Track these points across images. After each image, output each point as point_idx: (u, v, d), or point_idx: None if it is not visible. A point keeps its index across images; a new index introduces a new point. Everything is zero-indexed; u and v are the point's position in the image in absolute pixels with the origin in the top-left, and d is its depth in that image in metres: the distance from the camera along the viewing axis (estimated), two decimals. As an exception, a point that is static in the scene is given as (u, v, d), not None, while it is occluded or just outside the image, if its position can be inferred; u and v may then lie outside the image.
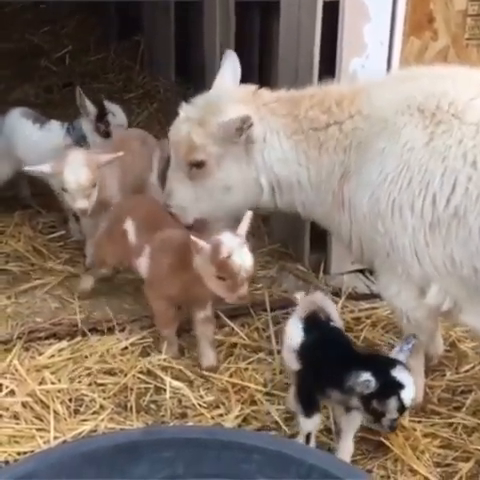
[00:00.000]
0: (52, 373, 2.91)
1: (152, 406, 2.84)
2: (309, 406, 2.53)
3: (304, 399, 2.54)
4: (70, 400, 2.81)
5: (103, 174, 3.27)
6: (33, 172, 3.30)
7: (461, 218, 2.46)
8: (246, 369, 3.00)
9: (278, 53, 3.59)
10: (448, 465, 2.64)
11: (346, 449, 2.55)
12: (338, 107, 2.72)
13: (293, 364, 2.59)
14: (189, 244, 2.75)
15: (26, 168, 3.31)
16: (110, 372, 2.96)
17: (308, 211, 2.89)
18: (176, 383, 2.91)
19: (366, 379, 2.35)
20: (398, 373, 2.40)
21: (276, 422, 2.74)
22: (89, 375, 2.93)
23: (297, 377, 2.59)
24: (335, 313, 2.73)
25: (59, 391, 2.84)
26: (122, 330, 3.15)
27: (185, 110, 2.86)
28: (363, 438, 2.66)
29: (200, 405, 2.82)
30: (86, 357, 3.01)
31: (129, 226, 3.07)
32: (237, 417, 2.77)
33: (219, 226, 2.92)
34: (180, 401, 2.85)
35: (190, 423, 2.74)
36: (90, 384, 2.89)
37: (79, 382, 2.89)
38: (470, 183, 2.45)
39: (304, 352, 2.55)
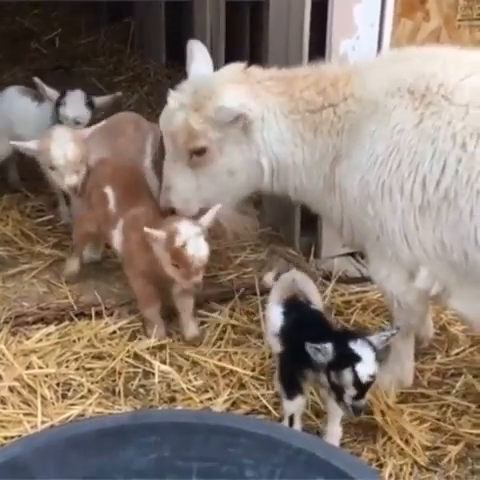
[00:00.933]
0: (39, 358, 2.89)
1: (140, 390, 2.83)
2: (291, 388, 2.53)
3: (286, 381, 2.55)
4: (58, 384, 2.80)
5: (92, 156, 3.24)
6: (21, 148, 3.25)
7: (451, 201, 2.43)
8: (235, 353, 2.99)
9: (268, 50, 3.55)
10: (437, 448, 2.64)
11: (334, 433, 2.54)
12: (333, 88, 2.68)
13: (276, 347, 2.61)
14: (159, 221, 2.79)
15: (12, 142, 3.28)
16: (98, 356, 2.94)
17: (299, 195, 2.86)
18: (165, 367, 2.89)
19: (323, 347, 2.34)
20: (357, 346, 2.36)
21: (265, 406, 2.73)
22: (77, 359, 2.91)
23: (279, 359, 2.61)
24: (315, 292, 2.74)
25: (46, 375, 2.82)
26: (110, 314, 3.13)
27: (175, 97, 2.75)
28: (352, 422, 2.65)
29: (189, 389, 2.81)
30: (74, 341, 2.99)
31: (109, 191, 3.05)
32: (226, 401, 2.76)
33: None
34: (169, 385, 2.84)
35: (179, 407, 2.74)
36: (78, 368, 2.88)
37: (67, 366, 2.87)
38: (460, 165, 2.42)
39: (284, 335, 2.57)
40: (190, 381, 2.85)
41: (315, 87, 2.71)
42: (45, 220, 3.75)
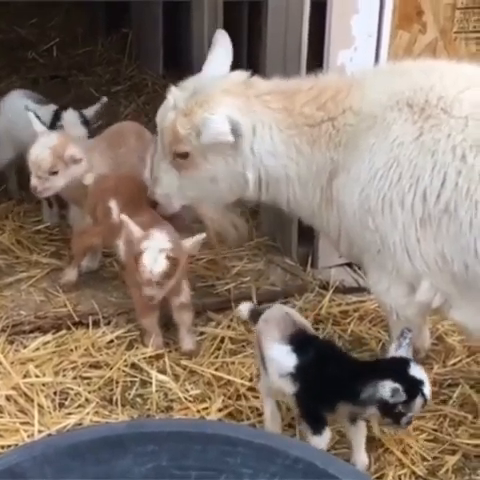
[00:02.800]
0: (37, 366, 2.88)
1: (138, 399, 2.83)
2: (317, 424, 2.46)
3: (311, 419, 2.47)
4: (55, 393, 2.79)
5: (93, 164, 3.26)
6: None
7: (452, 213, 2.44)
8: (233, 363, 2.98)
9: (266, 51, 3.56)
10: (435, 458, 2.63)
11: (363, 460, 2.51)
12: (333, 102, 2.68)
13: (287, 388, 2.48)
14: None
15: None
16: (95, 365, 2.93)
17: (293, 207, 2.85)
18: (162, 377, 2.89)
19: (393, 388, 2.31)
20: (415, 371, 2.36)
21: (260, 415, 2.71)
22: (74, 368, 2.90)
23: (298, 399, 2.48)
24: (307, 322, 2.68)
25: (44, 384, 2.81)
26: (108, 323, 3.13)
27: (173, 95, 2.77)
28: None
29: (186, 399, 2.81)
30: (71, 350, 2.98)
31: (113, 204, 3.06)
32: (222, 410, 2.75)
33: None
34: (166, 395, 2.84)
35: (176, 417, 2.73)
36: (75, 377, 2.87)
37: (64, 375, 2.87)
38: (460, 177, 2.43)
39: (301, 373, 2.45)
40: (187, 390, 2.85)
41: (316, 102, 2.70)
42: (42, 228, 3.75)
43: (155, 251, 2.77)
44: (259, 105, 2.72)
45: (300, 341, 2.50)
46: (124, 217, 2.88)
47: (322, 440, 2.45)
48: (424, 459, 2.61)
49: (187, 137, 2.72)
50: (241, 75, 2.82)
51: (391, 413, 2.35)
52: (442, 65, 2.75)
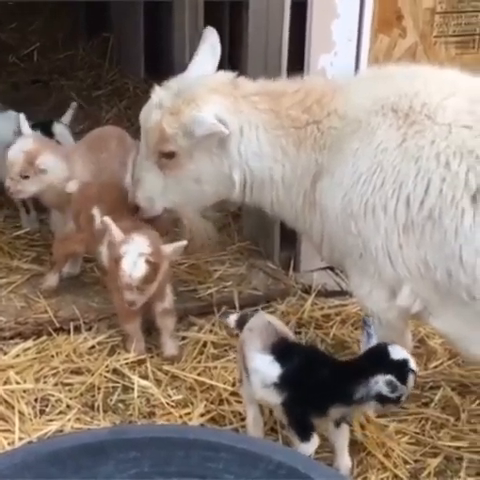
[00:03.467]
0: (17, 373, 2.86)
1: (120, 405, 2.81)
2: (305, 431, 2.45)
3: (299, 427, 2.45)
4: (36, 400, 2.77)
5: (76, 165, 3.26)
6: None
7: (436, 220, 2.43)
8: (215, 367, 2.98)
9: (248, 52, 3.57)
10: (417, 461, 2.64)
11: (346, 464, 2.51)
12: (318, 106, 2.68)
13: (272, 398, 2.46)
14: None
15: None
16: (77, 371, 2.92)
17: (276, 210, 2.85)
18: (144, 382, 2.88)
19: (387, 381, 2.33)
20: (396, 352, 2.38)
21: (243, 419, 2.70)
22: (55, 375, 2.88)
23: (285, 408, 2.46)
24: (287, 329, 2.66)
25: (24, 391, 2.79)
26: (89, 329, 3.11)
27: (158, 94, 2.74)
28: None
29: (168, 404, 2.80)
30: (52, 356, 2.96)
31: (96, 212, 3.05)
32: (204, 415, 2.74)
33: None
34: (148, 400, 2.83)
35: (158, 422, 2.72)
36: (56, 384, 2.85)
37: (45, 382, 2.85)
38: (444, 184, 2.43)
39: (287, 381, 2.43)
40: (169, 396, 2.84)
41: (301, 105, 2.70)
42: (22, 234, 3.72)
43: (135, 255, 2.76)
44: (246, 106, 2.71)
45: (282, 350, 2.48)
46: (107, 219, 2.87)
47: (310, 446, 2.44)
48: (406, 462, 2.62)
49: (173, 136, 2.69)
50: (227, 75, 2.80)
51: (389, 400, 2.36)
52: (426, 71, 2.76)
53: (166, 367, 2.96)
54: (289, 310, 3.31)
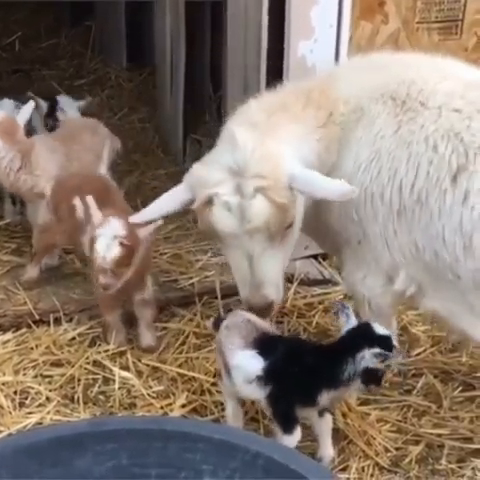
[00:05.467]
0: (-4, 366, 2.85)
1: (100, 397, 2.80)
2: (289, 423, 2.43)
3: (283, 419, 2.44)
4: (15, 393, 2.75)
5: (41, 160, 3.23)
6: None
7: (423, 203, 2.47)
8: (197, 358, 2.96)
9: (227, 47, 3.55)
10: (398, 449, 2.64)
11: (329, 455, 2.51)
12: (324, 96, 2.64)
13: (256, 393, 2.44)
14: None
15: None
16: (57, 363, 2.90)
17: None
18: (125, 373, 2.86)
19: (375, 353, 2.33)
20: (378, 328, 2.39)
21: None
22: (35, 367, 2.86)
23: (270, 401, 2.43)
24: (264, 323, 2.60)
25: (3, 384, 2.77)
26: (69, 320, 3.09)
27: (225, 195, 2.42)
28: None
29: (149, 395, 2.78)
30: (32, 349, 2.94)
31: (78, 202, 3.00)
32: (186, 406, 2.73)
33: None
34: (129, 391, 2.81)
35: (139, 413, 2.70)
36: (36, 376, 2.83)
37: (24, 374, 2.83)
38: (431, 166, 2.46)
39: (272, 374, 2.41)
40: (150, 387, 2.82)
41: (313, 102, 2.63)
42: (3, 225, 3.69)
43: (108, 237, 2.71)
44: (278, 130, 2.54)
45: (265, 343, 2.46)
46: (89, 199, 2.81)
47: (293, 439, 2.43)
48: (387, 450, 2.62)
49: (291, 199, 2.47)
50: (238, 123, 2.57)
51: (374, 378, 2.37)
52: (418, 59, 2.77)
53: (147, 358, 2.95)
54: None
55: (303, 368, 2.43)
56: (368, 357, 2.34)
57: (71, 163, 3.36)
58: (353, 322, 2.46)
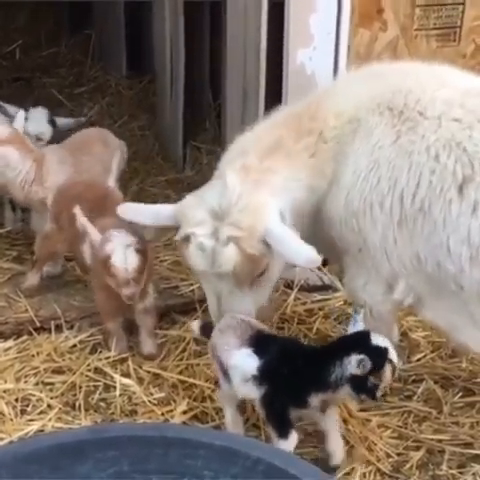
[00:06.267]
0: (-3, 373, 2.85)
1: (101, 404, 2.80)
2: (283, 426, 2.41)
3: (277, 421, 2.41)
4: (16, 400, 2.75)
5: (51, 171, 3.24)
6: None
7: (426, 212, 2.47)
8: (197, 365, 2.97)
9: (226, 45, 3.57)
10: (399, 454, 2.64)
11: (340, 448, 2.50)
12: (312, 119, 2.64)
13: (252, 392, 2.44)
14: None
15: None
16: (58, 371, 2.90)
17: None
18: (126, 380, 2.86)
19: (359, 359, 2.30)
20: (377, 340, 2.36)
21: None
22: (36, 374, 2.87)
23: (264, 402, 2.42)
24: (258, 323, 2.61)
25: (5, 391, 2.77)
26: (70, 328, 3.10)
27: (201, 236, 2.51)
28: (316, 430, 2.64)
29: (150, 402, 2.78)
30: (33, 356, 2.95)
31: (78, 210, 3.01)
32: (187, 413, 2.73)
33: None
34: (130, 398, 2.82)
35: (140, 420, 2.71)
36: (37, 383, 2.83)
37: (25, 382, 2.83)
38: (433, 176, 2.46)
39: (266, 373, 2.40)
40: (151, 394, 2.82)
41: (301, 132, 2.64)
42: (4, 233, 3.70)
43: (122, 248, 2.73)
44: (269, 176, 2.58)
45: (260, 342, 2.47)
46: (84, 220, 2.85)
47: (289, 443, 2.41)
48: (389, 456, 2.62)
49: (262, 253, 2.51)
50: (229, 171, 2.60)
51: (364, 388, 2.33)
52: (415, 67, 2.77)
53: (148, 365, 2.95)
54: (272, 305, 3.30)
55: (294, 369, 2.41)
56: (353, 363, 2.31)
57: (80, 174, 3.37)
58: (357, 328, 2.46)
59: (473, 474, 2.55)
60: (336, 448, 2.51)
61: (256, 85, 3.35)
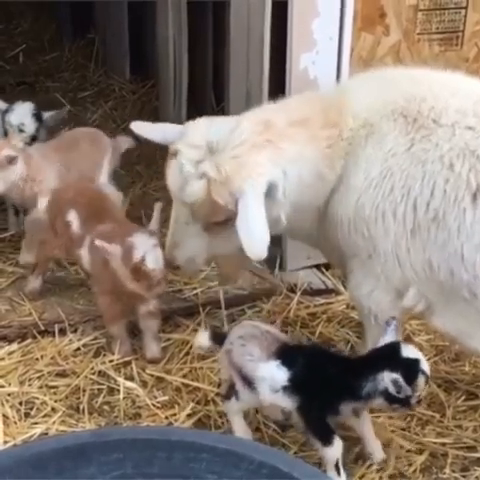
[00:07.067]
0: (2, 376, 2.85)
1: (105, 407, 2.81)
2: (326, 434, 2.41)
3: (319, 430, 2.41)
4: (20, 403, 2.76)
5: (40, 166, 3.26)
6: None
7: (440, 221, 2.46)
8: (201, 368, 2.97)
9: (230, 50, 3.58)
10: (403, 458, 2.63)
11: (377, 448, 2.53)
12: (338, 114, 2.64)
13: (283, 402, 2.43)
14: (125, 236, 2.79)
15: None
16: (62, 374, 2.91)
17: (297, 232, 2.85)
18: (129, 384, 2.87)
19: (392, 379, 2.32)
20: (407, 352, 2.38)
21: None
22: (40, 378, 2.87)
23: (301, 412, 2.42)
24: (281, 334, 2.64)
25: (9, 394, 2.78)
26: (74, 331, 3.10)
27: (186, 157, 2.54)
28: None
29: (154, 405, 2.79)
30: (37, 359, 2.95)
31: (72, 214, 3.03)
32: (191, 416, 2.74)
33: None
34: (134, 402, 2.82)
35: (144, 423, 2.71)
36: (41, 387, 2.84)
37: (29, 385, 2.84)
38: (447, 185, 2.46)
39: (298, 384, 2.40)
40: (155, 397, 2.83)
41: (328, 120, 2.64)
42: (7, 236, 3.70)
43: (152, 252, 2.75)
44: (286, 143, 2.57)
45: (287, 353, 2.46)
46: (100, 243, 2.78)
47: (335, 449, 2.41)
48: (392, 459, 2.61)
49: (227, 206, 2.51)
50: (255, 116, 2.60)
51: (398, 399, 2.35)
52: (427, 74, 2.77)
53: (152, 368, 2.95)
54: (275, 309, 3.30)
55: (326, 378, 2.42)
56: (387, 381, 2.33)
57: (69, 171, 3.38)
58: (389, 339, 2.46)
59: (476, 477, 2.55)
60: (375, 448, 2.53)
61: (259, 89, 3.36)
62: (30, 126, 3.68)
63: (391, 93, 2.65)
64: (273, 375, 2.42)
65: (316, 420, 2.42)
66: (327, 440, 2.41)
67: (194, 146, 2.57)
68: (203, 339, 2.63)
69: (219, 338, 2.60)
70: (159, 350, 3.01)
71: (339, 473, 2.43)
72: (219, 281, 3.25)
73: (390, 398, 2.36)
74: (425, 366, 2.38)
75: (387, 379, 2.33)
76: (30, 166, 3.30)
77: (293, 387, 2.41)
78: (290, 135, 2.58)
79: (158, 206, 2.90)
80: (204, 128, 2.62)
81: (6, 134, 3.70)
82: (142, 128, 2.85)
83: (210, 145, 2.54)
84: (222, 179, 2.50)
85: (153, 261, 2.75)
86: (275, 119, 2.61)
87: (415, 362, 2.36)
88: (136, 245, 2.77)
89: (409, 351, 2.39)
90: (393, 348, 2.41)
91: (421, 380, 2.36)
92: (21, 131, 3.65)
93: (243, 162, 2.51)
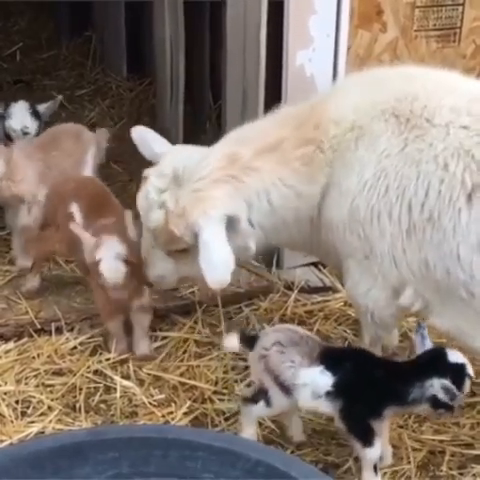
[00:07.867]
0: (-2, 375, 2.86)
1: (102, 406, 2.80)
2: (368, 435, 2.41)
3: (362, 432, 2.41)
4: (17, 402, 2.76)
5: (19, 166, 3.25)
6: None
7: (436, 221, 2.45)
8: (198, 366, 2.97)
9: (226, 48, 3.57)
10: (400, 455, 2.63)
11: (389, 452, 2.54)
12: (315, 127, 2.62)
13: (324, 408, 2.43)
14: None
15: None
16: (58, 372, 2.91)
17: (284, 243, 2.91)
18: (126, 382, 2.87)
19: (443, 385, 2.32)
20: (453, 357, 2.38)
21: (226, 419, 2.71)
22: (36, 376, 2.87)
23: (344, 415, 2.41)
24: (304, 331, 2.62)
25: (5, 393, 2.78)
26: (71, 330, 3.10)
27: (153, 185, 2.63)
28: (316, 432, 2.65)
29: (150, 404, 2.79)
30: (33, 358, 2.95)
31: (75, 207, 3.02)
32: (188, 415, 2.74)
33: None
34: (130, 400, 2.82)
35: (140, 422, 2.71)
36: (37, 385, 2.84)
37: (26, 384, 2.84)
38: (442, 185, 2.44)
39: (343, 388, 2.39)
40: (152, 395, 2.83)
41: (302, 138, 2.62)
42: (3, 235, 3.69)
43: (109, 260, 2.75)
44: (251, 177, 2.59)
45: (330, 358, 2.45)
46: (74, 226, 2.84)
47: (376, 450, 2.42)
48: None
49: (183, 237, 2.58)
50: (221, 150, 2.64)
51: (444, 404, 2.36)
52: (420, 72, 2.75)
53: (148, 367, 2.95)
54: (272, 307, 3.30)
55: (372, 382, 2.42)
56: (436, 387, 2.34)
57: (50, 169, 3.38)
58: (428, 344, 2.47)
59: (473, 475, 2.55)
60: (386, 454, 2.53)
61: (256, 87, 3.35)
62: (32, 126, 3.73)
63: (382, 93, 2.62)
64: (316, 381, 2.41)
65: (359, 424, 2.42)
66: (369, 441, 2.41)
67: (161, 175, 2.66)
68: (233, 342, 2.57)
69: (249, 341, 2.55)
70: (148, 347, 2.99)
71: (377, 473, 2.44)
72: (199, 297, 3.25)
73: (437, 404, 2.36)
74: (470, 370, 2.39)
75: (437, 385, 2.33)
76: (9, 166, 3.28)
77: (336, 392, 2.40)
78: (255, 167, 2.60)
79: (128, 215, 2.89)
80: (175, 157, 2.70)
81: (6, 136, 3.70)
82: (138, 138, 2.91)
83: (176, 175, 2.62)
84: (179, 211, 2.57)
85: (107, 269, 2.75)
86: (241, 151, 2.61)
87: (462, 367, 2.37)
88: (101, 246, 2.76)
89: (455, 356, 2.39)
90: (439, 353, 2.41)
91: (467, 383, 2.37)
92: (25, 134, 3.66)
93: (201, 197, 2.56)
